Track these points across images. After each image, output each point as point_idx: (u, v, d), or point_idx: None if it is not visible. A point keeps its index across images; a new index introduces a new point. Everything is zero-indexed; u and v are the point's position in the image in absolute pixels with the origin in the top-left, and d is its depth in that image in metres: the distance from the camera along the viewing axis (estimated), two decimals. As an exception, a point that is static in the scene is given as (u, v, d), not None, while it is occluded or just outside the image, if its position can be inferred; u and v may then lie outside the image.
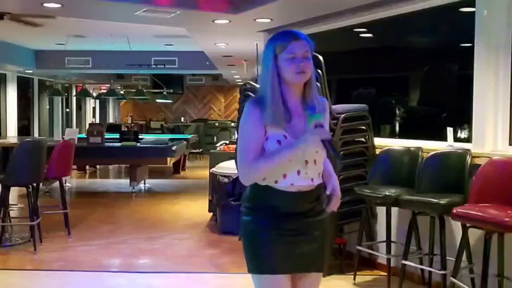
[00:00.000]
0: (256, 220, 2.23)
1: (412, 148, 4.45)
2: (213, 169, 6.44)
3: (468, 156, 3.90)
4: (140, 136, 10.51)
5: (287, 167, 2.17)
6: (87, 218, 7.15)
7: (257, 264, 2.23)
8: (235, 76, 15.53)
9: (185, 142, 11.20)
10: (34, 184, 5.58)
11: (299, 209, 2.22)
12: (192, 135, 13.27)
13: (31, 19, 8.04)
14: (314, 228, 2.25)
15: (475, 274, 3.75)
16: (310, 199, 2.24)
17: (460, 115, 4.82)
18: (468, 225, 3.50)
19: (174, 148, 9.52)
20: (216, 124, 17.71)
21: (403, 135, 5.44)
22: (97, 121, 18.74)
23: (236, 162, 2.38)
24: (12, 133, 12.53)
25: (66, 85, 15.23)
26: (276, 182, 2.19)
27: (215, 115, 20.04)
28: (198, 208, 7.63)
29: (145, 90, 13.12)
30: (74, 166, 9.58)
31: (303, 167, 2.19)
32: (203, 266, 5.10)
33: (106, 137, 9.98)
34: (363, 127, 4.84)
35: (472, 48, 4.20)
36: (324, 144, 2.13)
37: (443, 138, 4.43)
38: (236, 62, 11.13)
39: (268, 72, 2.19)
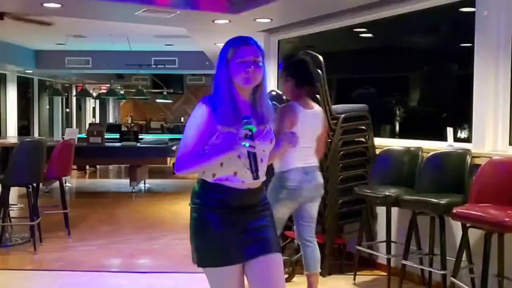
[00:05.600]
0: (207, 216, 2.29)
1: (412, 148, 4.45)
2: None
3: (468, 156, 3.90)
4: (140, 136, 10.51)
5: (237, 165, 2.26)
6: (87, 218, 7.15)
7: (210, 257, 2.30)
8: (235, 76, 15.51)
9: (185, 142, 11.17)
10: (34, 184, 5.57)
11: (248, 203, 2.33)
12: (192, 135, 13.23)
13: (40, 17, 8.02)
14: (261, 219, 2.35)
15: (475, 274, 3.75)
16: (258, 194, 2.37)
17: (460, 115, 4.82)
18: (468, 225, 3.50)
19: (174, 148, 9.51)
20: (216, 124, 17.64)
21: (403, 135, 5.44)
22: (97, 121, 18.72)
23: None
24: (12, 133, 12.51)
25: (66, 85, 15.20)
26: (227, 179, 2.28)
27: (215, 115, 19.99)
28: (198, 208, 7.61)
29: (145, 90, 13.11)
30: (74, 166, 9.59)
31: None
32: (203, 266, 5.09)
33: (106, 137, 9.98)
34: (363, 127, 4.84)
35: (472, 48, 4.20)
36: (248, 156, 2.18)
37: (443, 138, 4.43)
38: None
39: (220, 76, 2.29)
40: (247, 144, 2.13)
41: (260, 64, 2.27)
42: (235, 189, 2.28)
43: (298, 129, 3.47)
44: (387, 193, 4.09)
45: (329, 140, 4.59)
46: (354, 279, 4.51)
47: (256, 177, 2.21)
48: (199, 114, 2.25)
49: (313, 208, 3.82)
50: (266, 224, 2.36)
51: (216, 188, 2.28)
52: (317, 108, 3.86)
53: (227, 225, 2.28)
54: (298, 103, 3.70)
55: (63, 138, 9.29)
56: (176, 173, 2.31)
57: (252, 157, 2.19)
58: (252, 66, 2.25)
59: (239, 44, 2.28)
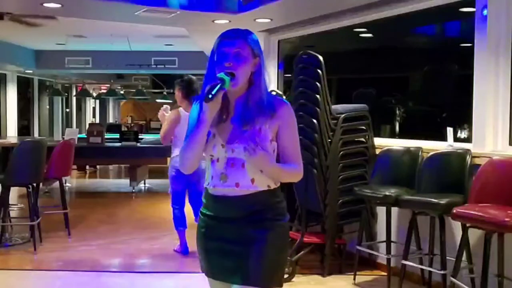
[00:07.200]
0: (201, 223, 2.22)
1: (412, 148, 4.45)
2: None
3: (468, 156, 3.90)
4: (140, 136, 10.50)
5: (213, 169, 2.13)
6: (87, 218, 7.15)
7: (202, 265, 2.25)
8: (235, 76, 15.51)
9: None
10: (34, 184, 5.57)
11: (232, 215, 2.12)
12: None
13: (32, 19, 8.04)
14: (249, 238, 2.10)
15: (475, 274, 3.75)
16: (243, 205, 2.10)
17: (460, 115, 4.82)
18: (468, 225, 3.50)
19: (174, 148, 9.50)
20: (216, 124, 17.64)
21: (403, 135, 5.44)
22: (97, 121, 18.73)
23: None
24: (12, 133, 12.52)
25: (66, 85, 15.22)
26: (208, 184, 2.17)
27: (215, 115, 19.97)
28: (198, 208, 7.62)
29: (145, 90, 13.14)
30: (74, 166, 9.59)
31: (228, 170, 2.10)
32: (203, 266, 5.09)
33: (106, 137, 9.98)
34: (363, 127, 4.84)
35: (472, 48, 4.20)
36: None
37: (443, 138, 4.43)
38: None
39: (207, 70, 2.13)
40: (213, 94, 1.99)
41: (243, 57, 2.06)
42: (213, 196, 2.15)
43: (179, 130, 4.97)
44: (387, 193, 4.09)
45: (329, 140, 4.60)
46: (354, 279, 4.51)
47: (208, 99, 1.99)
48: (193, 114, 2.15)
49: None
50: (256, 247, 2.08)
51: (205, 194, 2.20)
52: None
53: (213, 238, 2.16)
54: (182, 108, 5.11)
55: (63, 138, 9.29)
56: (186, 172, 2.20)
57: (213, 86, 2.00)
58: (231, 60, 2.05)
59: (222, 37, 2.09)
